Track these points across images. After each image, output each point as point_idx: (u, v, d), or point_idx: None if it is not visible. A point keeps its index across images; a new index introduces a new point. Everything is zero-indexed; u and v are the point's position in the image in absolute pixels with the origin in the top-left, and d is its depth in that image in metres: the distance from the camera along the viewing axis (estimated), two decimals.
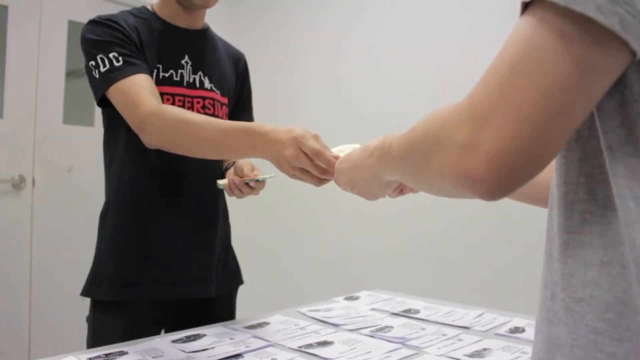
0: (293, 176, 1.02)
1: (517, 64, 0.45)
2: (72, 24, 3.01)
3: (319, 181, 1.01)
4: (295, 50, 3.27)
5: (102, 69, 1.17)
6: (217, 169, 1.40)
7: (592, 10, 0.43)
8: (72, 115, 3.02)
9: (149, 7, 1.35)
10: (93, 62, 1.18)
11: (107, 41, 1.19)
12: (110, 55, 1.17)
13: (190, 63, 1.32)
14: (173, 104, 1.26)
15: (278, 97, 3.26)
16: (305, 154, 0.97)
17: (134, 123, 1.15)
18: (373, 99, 2.87)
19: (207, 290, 1.35)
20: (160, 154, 1.20)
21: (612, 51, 0.44)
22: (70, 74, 3.03)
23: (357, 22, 2.96)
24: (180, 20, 1.34)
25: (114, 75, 1.16)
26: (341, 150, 1.00)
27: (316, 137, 0.99)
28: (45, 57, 2.90)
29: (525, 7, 0.48)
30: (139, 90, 1.14)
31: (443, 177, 0.50)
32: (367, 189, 0.91)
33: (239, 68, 1.49)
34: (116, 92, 1.16)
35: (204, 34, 1.40)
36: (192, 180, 1.33)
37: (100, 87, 1.18)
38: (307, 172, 0.99)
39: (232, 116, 1.46)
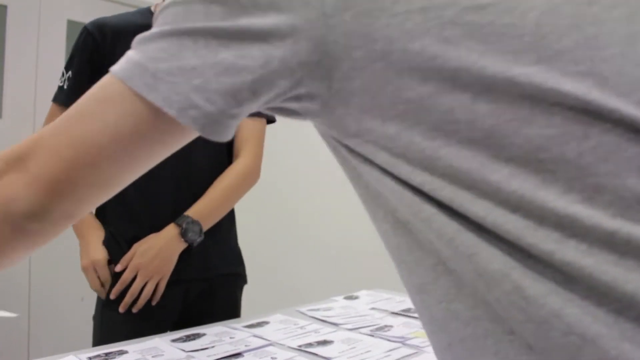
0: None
1: (73, 108, 0.51)
2: (71, 24, 3.01)
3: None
4: None
5: (58, 83, 1.35)
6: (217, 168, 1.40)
7: (139, 87, 0.47)
8: None
9: (152, 8, 1.36)
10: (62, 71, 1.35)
11: (73, 57, 1.33)
12: (68, 73, 1.32)
13: None
14: None
15: None
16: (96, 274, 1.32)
17: None
18: None
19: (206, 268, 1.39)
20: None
21: (156, 122, 0.48)
22: None
23: None
24: None
25: (57, 95, 1.35)
26: None
27: (105, 269, 1.32)
28: (45, 57, 2.90)
29: None
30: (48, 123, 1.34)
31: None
32: None
33: None
34: (50, 109, 1.38)
35: None
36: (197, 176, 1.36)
37: (53, 96, 1.37)
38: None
39: None
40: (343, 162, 0.55)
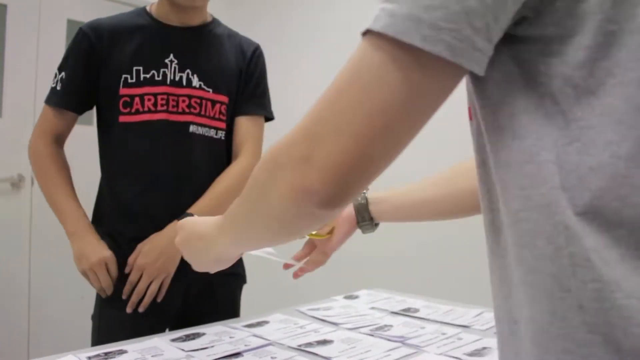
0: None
1: (344, 86, 0.49)
2: (71, 23, 3.01)
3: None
4: (298, 55, 3.27)
5: (52, 84, 1.35)
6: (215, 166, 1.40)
7: (418, 41, 0.44)
8: None
9: (147, 8, 1.37)
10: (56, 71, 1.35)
11: (67, 58, 1.33)
12: (60, 75, 1.33)
13: (176, 61, 1.31)
14: (155, 102, 1.28)
15: (279, 104, 3.26)
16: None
17: (31, 141, 1.39)
18: None
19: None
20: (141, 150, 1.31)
21: (443, 74, 0.47)
22: None
23: (360, 26, 2.96)
24: (173, 19, 1.34)
25: (50, 96, 1.34)
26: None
27: (111, 264, 1.29)
28: (45, 56, 2.90)
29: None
30: (45, 126, 1.36)
31: (283, 196, 0.52)
32: (195, 259, 0.88)
33: (247, 59, 1.44)
34: (43, 111, 1.36)
35: (201, 29, 1.38)
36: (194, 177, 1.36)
37: (46, 97, 1.36)
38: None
39: (237, 108, 1.42)
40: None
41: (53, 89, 1.33)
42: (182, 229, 0.87)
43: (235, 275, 1.47)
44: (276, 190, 0.53)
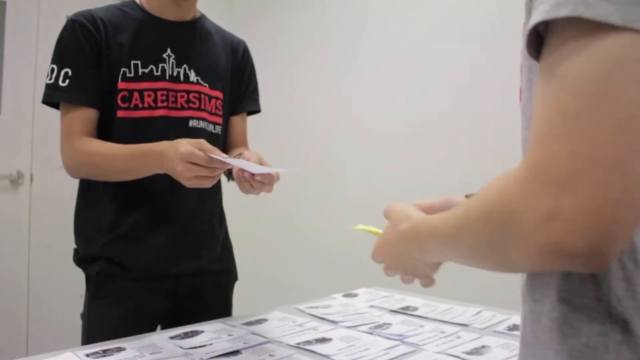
0: (190, 185, 1.09)
1: (576, 108, 0.39)
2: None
3: (213, 180, 1.10)
4: (297, 56, 3.26)
5: (49, 80, 1.24)
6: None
7: None
8: None
9: (137, 0, 1.34)
10: (50, 67, 1.25)
11: (66, 51, 1.24)
12: (62, 71, 1.23)
13: (173, 56, 1.30)
14: (155, 98, 1.26)
15: (278, 104, 3.25)
16: (196, 164, 1.05)
17: (61, 156, 1.27)
18: (377, 108, 2.86)
19: (196, 262, 1.36)
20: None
21: None
22: None
23: (363, 29, 2.95)
24: (167, 12, 1.32)
25: (56, 94, 1.24)
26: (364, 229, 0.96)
27: (201, 144, 1.07)
28: (44, 54, 2.89)
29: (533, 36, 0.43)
30: (68, 127, 1.24)
31: (526, 255, 0.43)
32: (412, 267, 0.78)
33: (238, 57, 1.45)
34: (60, 113, 1.26)
35: (194, 24, 1.37)
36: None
37: (45, 96, 1.26)
38: (202, 178, 1.08)
39: (233, 107, 1.44)
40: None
41: (57, 87, 1.22)
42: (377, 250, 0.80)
43: (225, 272, 1.46)
44: (517, 250, 0.44)
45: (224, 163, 1.06)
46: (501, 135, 2.26)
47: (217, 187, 1.43)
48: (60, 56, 1.25)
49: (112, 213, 1.29)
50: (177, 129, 1.28)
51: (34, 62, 2.87)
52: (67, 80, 1.23)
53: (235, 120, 1.46)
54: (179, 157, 1.05)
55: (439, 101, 2.57)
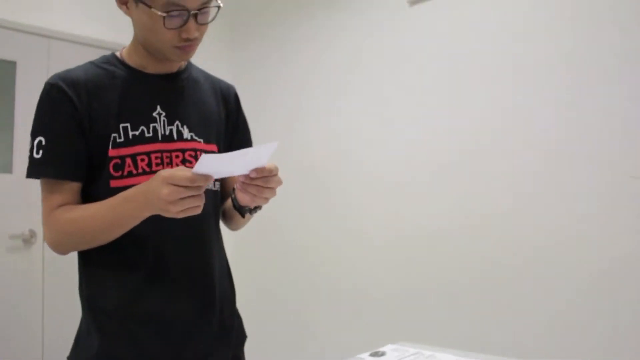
0: (180, 213, 0.97)
1: None
2: None
3: (200, 200, 0.98)
4: (298, 96, 3.25)
5: (28, 153, 1.13)
6: (203, 226, 1.23)
7: None
8: None
9: (118, 54, 1.22)
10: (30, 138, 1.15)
11: (44, 119, 1.13)
12: (36, 140, 1.12)
13: (164, 114, 1.18)
14: (150, 162, 1.14)
15: (281, 143, 3.22)
16: (179, 186, 0.94)
17: (44, 237, 1.15)
18: (375, 146, 2.82)
19: None
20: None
21: None
22: None
23: (361, 67, 2.94)
24: (152, 67, 1.20)
25: (33, 169, 1.13)
26: None
27: (183, 169, 0.97)
28: None
29: None
30: (46, 203, 1.12)
31: None
32: None
33: (230, 103, 1.35)
34: (41, 191, 1.14)
35: (181, 76, 1.25)
36: (176, 242, 1.18)
37: (26, 171, 1.15)
38: (189, 200, 0.96)
39: None
40: None
41: (33, 159, 1.12)
42: None
43: (232, 331, 1.30)
44: None
45: (206, 176, 0.96)
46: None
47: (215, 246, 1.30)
48: (36, 124, 1.13)
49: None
50: None
51: None
52: (41, 151, 1.10)
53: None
54: (161, 180, 0.95)
55: (444, 142, 2.52)
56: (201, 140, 1.23)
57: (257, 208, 1.18)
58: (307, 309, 3.07)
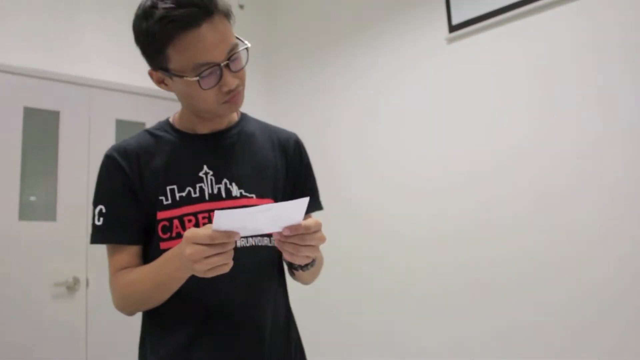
0: (207, 272, 0.94)
1: None
2: (119, 123, 3.09)
3: (227, 258, 0.93)
4: (337, 142, 3.24)
5: (91, 220, 1.19)
6: (253, 283, 1.19)
7: None
8: None
9: (170, 119, 1.25)
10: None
11: (100, 189, 1.19)
12: (97, 209, 1.17)
13: (211, 173, 1.17)
14: (197, 223, 1.14)
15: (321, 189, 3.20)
16: (201, 244, 0.91)
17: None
18: (409, 175, 2.77)
19: None
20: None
21: None
22: None
23: (394, 97, 2.92)
24: (200, 127, 1.21)
25: (95, 235, 1.17)
26: None
27: (207, 227, 0.92)
28: (95, 159, 2.96)
29: None
30: (111, 266, 1.17)
31: None
32: None
33: (289, 153, 1.29)
34: (108, 253, 1.19)
35: (231, 131, 1.24)
36: (224, 300, 1.16)
37: (90, 237, 1.20)
38: (215, 259, 0.92)
39: None
40: None
41: (95, 226, 1.17)
42: None
43: None
44: None
45: (229, 234, 0.92)
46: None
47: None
48: (96, 194, 1.19)
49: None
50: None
51: (87, 168, 2.93)
52: (102, 219, 1.16)
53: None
54: (185, 240, 0.93)
55: (479, 173, 2.45)
56: (253, 195, 1.19)
57: (308, 264, 1.09)
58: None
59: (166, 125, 1.24)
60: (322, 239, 0.98)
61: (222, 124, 1.22)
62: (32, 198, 2.80)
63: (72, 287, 2.77)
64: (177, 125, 1.22)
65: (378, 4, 3.09)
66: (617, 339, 2.05)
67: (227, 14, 1.06)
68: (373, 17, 3.11)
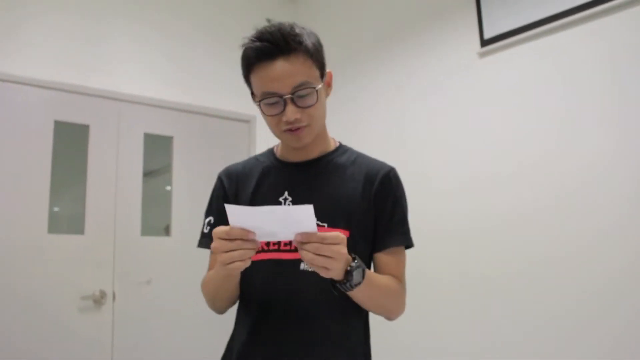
0: (227, 266, 1.02)
1: None
2: (147, 137, 3.10)
3: (245, 255, 1.02)
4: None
5: (201, 228, 1.34)
6: (302, 304, 1.22)
7: None
8: (149, 227, 3.04)
9: (274, 148, 1.37)
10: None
11: (211, 203, 1.36)
12: (207, 219, 1.33)
13: (290, 199, 1.25)
14: (268, 242, 1.23)
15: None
16: (221, 239, 1.01)
17: None
18: (433, 197, 2.73)
19: None
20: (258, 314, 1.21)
21: None
22: (145, 182, 3.07)
23: (431, 117, 2.89)
24: (293, 156, 1.30)
25: (201, 240, 1.32)
26: None
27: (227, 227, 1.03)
28: (123, 174, 2.98)
29: None
30: (209, 267, 1.32)
31: None
32: None
33: (374, 185, 1.28)
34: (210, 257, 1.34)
35: (319, 162, 1.29)
36: (274, 311, 1.21)
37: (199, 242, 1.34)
38: (233, 254, 1.01)
39: (377, 243, 1.26)
40: None
41: (202, 234, 1.32)
42: None
43: None
44: None
45: (243, 231, 0.99)
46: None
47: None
48: (208, 207, 1.36)
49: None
50: (287, 272, 1.20)
51: (115, 183, 2.95)
52: (208, 228, 1.31)
53: (380, 257, 1.26)
54: (213, 235, 1.04)
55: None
56: (325, 224, 1.22)
57: (346, 283, 1.06)
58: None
59: (270, 152, 1.36)
60: (339, 253, 0.99)
61: (312, 154, 1.30)
62: (56, 209, 2.83)
63: (98, 300, 2.77)
64: (277, 153, 1.34)
65: (403, 18, 3.07)
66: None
67: (310, 52, 1.14)
68: (396, 33, 3.08)
